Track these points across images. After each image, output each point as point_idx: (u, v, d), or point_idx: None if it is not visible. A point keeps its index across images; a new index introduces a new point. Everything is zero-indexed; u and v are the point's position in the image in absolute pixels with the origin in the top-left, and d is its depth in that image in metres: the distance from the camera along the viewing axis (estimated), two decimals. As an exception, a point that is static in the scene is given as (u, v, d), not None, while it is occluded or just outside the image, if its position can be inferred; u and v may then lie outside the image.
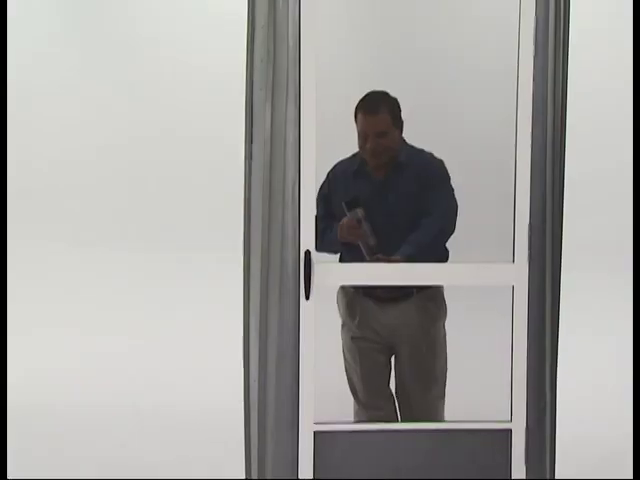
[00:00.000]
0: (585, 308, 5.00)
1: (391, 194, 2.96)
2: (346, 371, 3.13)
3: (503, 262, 2.76)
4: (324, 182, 2.97)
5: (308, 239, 2.69)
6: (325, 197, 2.91)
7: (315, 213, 2.85)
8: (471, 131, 2.96)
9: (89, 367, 4.75)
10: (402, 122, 2.90)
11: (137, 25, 5.17)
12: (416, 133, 3.07)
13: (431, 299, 3.04)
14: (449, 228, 2.93)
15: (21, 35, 5.08)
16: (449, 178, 2.94)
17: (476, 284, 2.85)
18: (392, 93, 2.86)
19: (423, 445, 2.81)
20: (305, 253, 2.68)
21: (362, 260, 2.89)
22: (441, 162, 2.92)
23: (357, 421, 3.10)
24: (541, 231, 2.74)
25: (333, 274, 2.79)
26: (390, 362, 3.12)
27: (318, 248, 2.88)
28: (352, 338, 3.10)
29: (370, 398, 3.11)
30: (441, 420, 3.06)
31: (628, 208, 4.07)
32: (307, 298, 2.72)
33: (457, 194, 2.90)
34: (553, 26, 2.67)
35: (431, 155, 2.94)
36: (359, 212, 2.88)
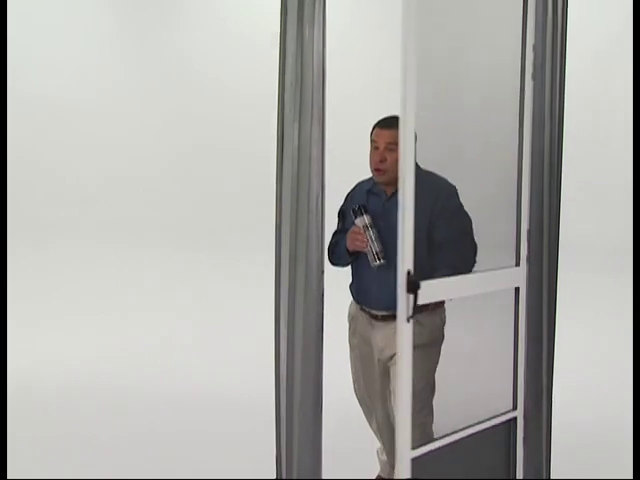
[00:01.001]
0: (586, 306, 5.17)
1: (393, 213, 2.67)
2: (352, 375, 3.18)
3: (510, 266, 2.79)
4: (346, 198, 3.07)
5: (408, 258, 2.42)
6: (342, 214, 3.03)
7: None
8: (476, 148, 3.12)
9: (132, 353, 4.97)
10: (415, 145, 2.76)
11: (191, 55, 5.57)
12: (429, 148, 3.22)
13: (424, 323, 2.79)
14: (473, 259, 2.84)
15: (99, 65, 5.56)
16: (462, 205, 2.86)
17: (495, 289, 2.81)
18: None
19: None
20: (407, 273, 2.41)
21: (370, 267, 2.81)
22: (454, 188, 2.88)
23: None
24: (539, 236, 2.86)
25: (436, 290, 2.55)
26: (388, 373, 3.02)
27: (330, 260, 3.01)
28: (352, 347, 3.12)
29: (372, 403, 3.15)
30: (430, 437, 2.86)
31: (628, 212, 4.24)
32: (408, 320, 2.42)
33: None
34: (550, 54, 2.83)
35: (445, 181, 2.89)
36: (365, 219, 2.84)
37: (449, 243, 2.84)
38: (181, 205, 5.64)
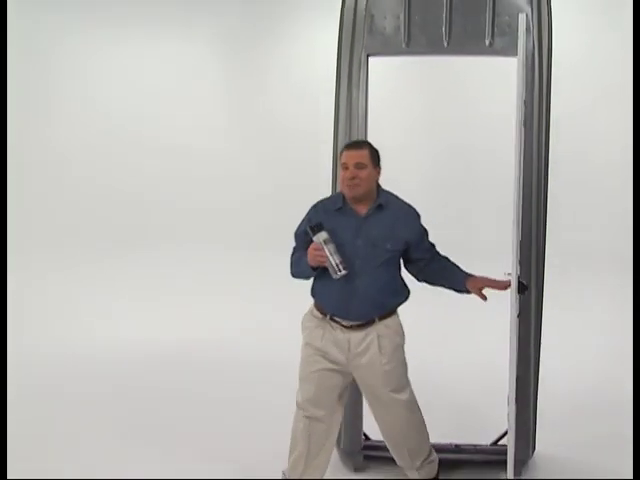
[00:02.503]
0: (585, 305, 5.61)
1: (372, 231, 2.95)
2: (300, 379, 3.11)
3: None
4: (304, 220, 3.06)
5: (519, 266, 2.85)
6: (306, 232, 2.95)
7: (294, 245, 3.06)
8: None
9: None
10: (380, 167, 2.99)
11: (272, 108, 6.56)
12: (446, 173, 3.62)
13: (390, 326, 3.04)
14: None
15: (207, 115, 6.65)
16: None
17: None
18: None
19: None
20: (519, 283, 2.85)
21: (331, 279, 2.86)
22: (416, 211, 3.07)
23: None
24: (528, 245, 3.30)
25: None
26: (346, 383, 3.10)
27: (293, 274, 3.05)
28: (313, 356, 3.04)
29: (314, 409, 3.05)
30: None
31: (628, 218, 4.63)
32: (518, 317, 2.91)
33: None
34: (537, 107, 3.32)
35: (409, 205, 3.07)
36: (322, 235, 2.83)
37: (434, 251, 3.14)
38: (257, 220, 6.57)
